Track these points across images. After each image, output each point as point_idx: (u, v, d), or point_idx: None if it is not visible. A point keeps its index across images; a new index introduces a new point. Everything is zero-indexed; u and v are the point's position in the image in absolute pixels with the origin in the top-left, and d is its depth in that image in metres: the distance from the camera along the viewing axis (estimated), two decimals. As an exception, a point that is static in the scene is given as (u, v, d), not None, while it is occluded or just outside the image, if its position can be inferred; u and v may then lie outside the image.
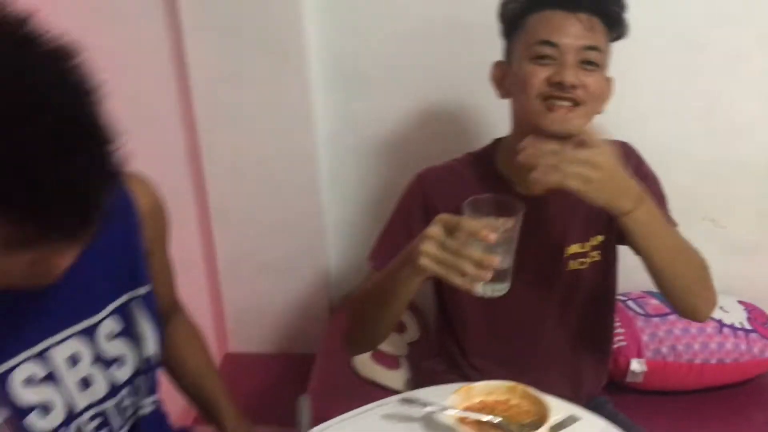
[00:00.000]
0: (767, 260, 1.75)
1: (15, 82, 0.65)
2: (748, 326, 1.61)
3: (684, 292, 1.20)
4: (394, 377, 1.54)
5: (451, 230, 1.00)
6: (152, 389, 1.04)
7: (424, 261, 1.00)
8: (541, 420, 0.98)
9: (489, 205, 1.04)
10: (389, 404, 1.08)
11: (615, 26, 1.19)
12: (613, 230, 1.25)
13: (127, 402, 0.98)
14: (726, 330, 1.58)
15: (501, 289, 1.04)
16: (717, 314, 1.60)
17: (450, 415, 0.99)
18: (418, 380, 1.48)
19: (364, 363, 1.55)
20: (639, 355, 1.57)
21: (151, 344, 1.01)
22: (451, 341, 1.37)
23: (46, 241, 0.69)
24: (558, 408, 1.01)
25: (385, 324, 1.20)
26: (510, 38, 1.25)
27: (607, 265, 1.31)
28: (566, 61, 1.14)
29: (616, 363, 1.55)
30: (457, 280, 0.98)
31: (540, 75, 1.15)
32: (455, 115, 1.70)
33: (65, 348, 0.91)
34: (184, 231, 1.74)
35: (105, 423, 0.96)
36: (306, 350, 1.78)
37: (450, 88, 1.68)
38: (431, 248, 1.00)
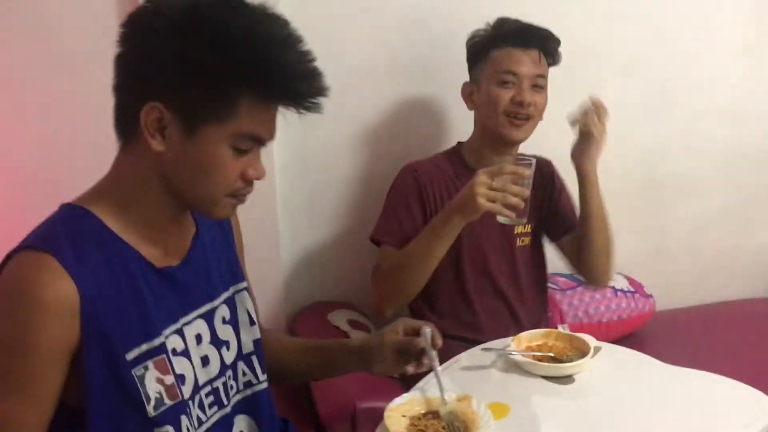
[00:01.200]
0: (625, 240, 2.24)
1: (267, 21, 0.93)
2: (631, 289, 2.07)
3: (602, 252, 1.65)
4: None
5: (492, 177, 1.36)
6: (263, 369, 1.16)
7: (481, 200, 1.34)
8: (583, 350, 1.29)
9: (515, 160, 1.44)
10: (458, 360, 1.32)
11: (554, 58, 1.64)
12: (540, 220, 1.70)
13: (231, 382, 1.11)
14: (619, 293, 2.04)
15: (520, 221, 1.44)
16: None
17: (518, 356, 1.27)
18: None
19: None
20: (562, 321, 1.95)
21: (256, 330, 1.15)
22: (426, 309, 1.67)
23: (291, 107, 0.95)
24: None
25: (424, 277, 1.50)
26: (475, 65, 1.65)
27: (540, 245, 1.75)
28: (523, 86, 1.56)
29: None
30: (504, 212, 1.35)
31: (505, 96, 1.57)
32: (392, 139, 1.97)
33: (194, 327, 1.05)
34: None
35: (217, 399, 1.08)
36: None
37: (388, 117, 1.96)
38: (484, 190, 1.35)
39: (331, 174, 1.97)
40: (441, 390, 1.13)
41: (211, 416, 1.07)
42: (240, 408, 1.13)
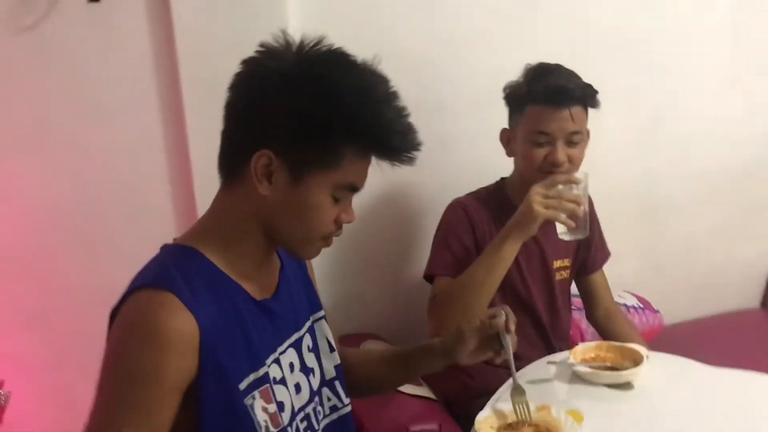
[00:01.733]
0: (626, 261, 2.37)
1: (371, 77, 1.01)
2: (641, 305, 2.20)
3: None
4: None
5: (546, 188, 1.48)
6: (346, 393, 1.23)
7: (538, 207, 1.44)
8: (635, 358, 1.39)
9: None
10: (523, 375, 1.40)
11: (593, 106, 1.66)
12: (577, 254, 1.81)
13: (318, 408, 1.17)
14: (631, 310, 2.15)
15: (584, 233, 1.52)
16: (620, 300, 2.16)
17: (581, 367, 1.36)
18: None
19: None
20: (583, 339, 2.05)
21: (335, 356, 1.22)
22: None
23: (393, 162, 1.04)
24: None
25: (485, 301, 1.54)
26: (512, 114, 1.70)
27: (570, 279, 1.84)
28: (557, 145, 1.60)
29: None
30: (561, 218, 1.45)
31: (539, 155, 1.61)
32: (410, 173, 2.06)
33: (287, 356, 1.12)
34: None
35: (310, 425, 1.15)
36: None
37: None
38: (540, 198, 1.45)
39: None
40: (513, 373, 1.23)
41: None
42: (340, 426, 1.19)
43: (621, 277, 2.10)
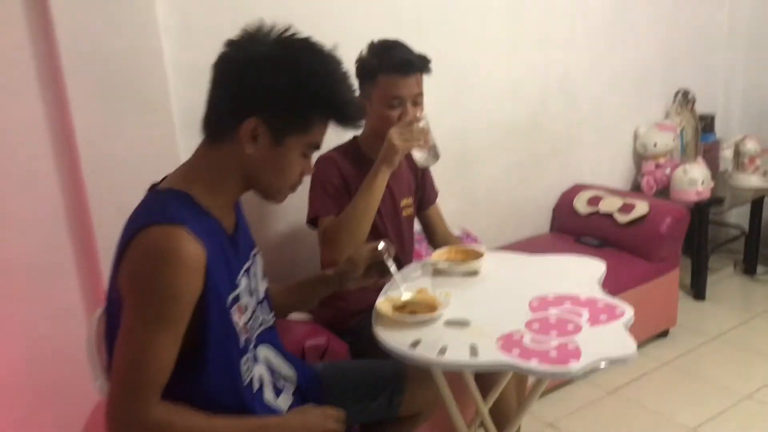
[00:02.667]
0: (448, 201, 2.87)
1: (333, 62, 1.31)
2: (466, 235, 2.69)
3: None
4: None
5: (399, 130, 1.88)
6: (271, 310, 1.56)
7: (398, 142, 1.86)
8: (478, 254, 1.85)
9: None
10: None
11: (428, 72, 2.07)
12: (415, 195, 2.23)
13: (258, 319, 1.49)
14: (462, 238, 2.64)
15: (435, 158, 2.00)
16: (449, 232, 2.64)
17: (443, 264, 1.79)
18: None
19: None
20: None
21: (265, 282, 1.55)
22: None
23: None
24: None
25: (367, 227, 1.90)
26: (364, 84, 2.03)
27: (413, 215, 2.27)
28: (407, 105, 2.00)
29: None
30: (415, 146, 1.90)
31: (394, 115, 2.00)
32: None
33: (244, 279, 1.42)
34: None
35: (259, 322, 1.48)
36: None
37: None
38: (397, 135, 1.87)
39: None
40: (400, 284, 1.62)
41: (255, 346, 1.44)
42: (262, 339, 1.50)
43: (447, 215, 2.57)
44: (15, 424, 1.97)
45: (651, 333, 3.04)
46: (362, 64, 2.04)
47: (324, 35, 1.38)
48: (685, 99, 3.64)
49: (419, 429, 1.78)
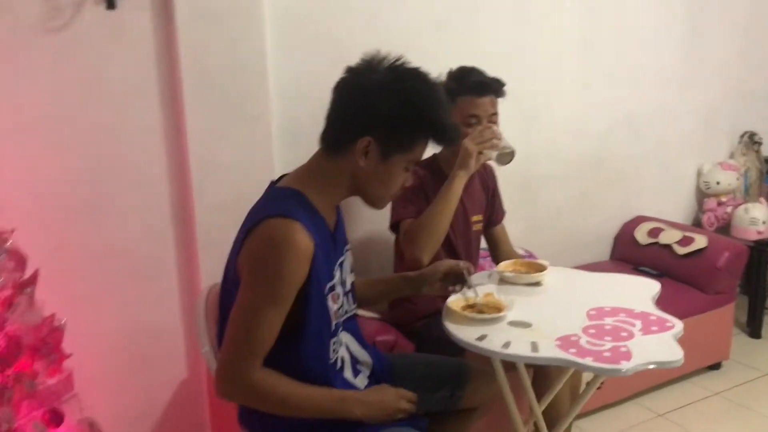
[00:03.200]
0: (514, 224, 3.03)
1: (437, 89, 1.53)
2: (528, 255, 2.85)
3: None
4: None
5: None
6: (354, 301, 1.75)
7: (471, 146, 2.04)
8: (541, 268, 2.02)
9: None
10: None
11: (502, 96, 2.28)
12: (485, 212, 2.41)
13: (344, 308, 1.68)
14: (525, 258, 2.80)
15: (510, 157, 2.15)
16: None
17: (508, 274, 1.97)
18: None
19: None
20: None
21: (353, 275, 1.75)
22: None
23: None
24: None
25: (445, 228, 2.08)
26: None
27: (481, 231, 2.46)
28: (483, 123, 2.20)
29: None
30: (488, 145, 2.07)
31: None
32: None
33: (338, 273, 1.62)
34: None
35: (345, 310, 1.67)
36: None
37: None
38: (470, 141, 2.06)
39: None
40: (476, 293, 1.81)
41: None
42: (346, 326, 1.70)
43: (511, 236, 2.74)
44: (109, 392, 2.22)
45: (703, 363, 3.13)
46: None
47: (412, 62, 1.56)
48: (751, 141, 3.72)
49: (477, 422, 1.95)
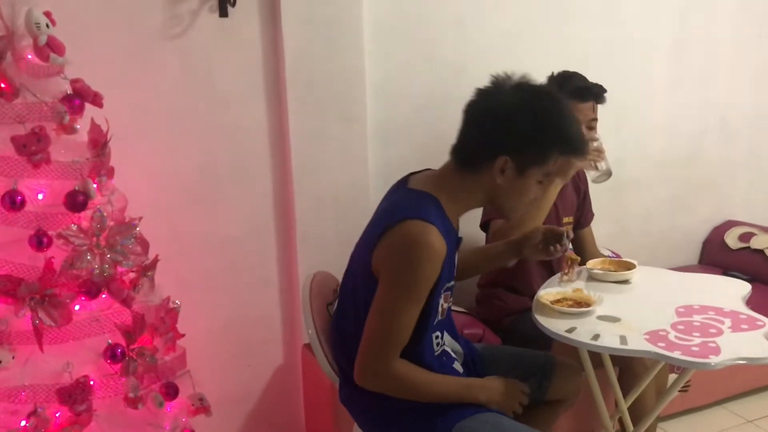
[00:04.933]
0: (602, 225, 3.05)
1: (563, 105, 1.60)
2: (615, 256, 2.87)
3: None
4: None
5: None
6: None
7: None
8: (629, 266, 2.06)
9: None
10: (557, 277, 2.04)
11: (602, 102, 2.33)
12: (575, 215, 2.46)
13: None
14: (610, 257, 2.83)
15: (608, 175, 2.20)
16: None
17: (597, 271, 2.02)
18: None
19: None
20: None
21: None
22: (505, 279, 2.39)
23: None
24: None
25: (541, 218, 2.15)
26: None
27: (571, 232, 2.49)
28: (582, 128, 2.19)
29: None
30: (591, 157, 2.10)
31: None
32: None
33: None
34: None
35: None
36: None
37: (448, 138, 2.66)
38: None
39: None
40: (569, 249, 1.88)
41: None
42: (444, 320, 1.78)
43: (598, 238, 2.76)
44: (215, 372, 2.39)
45: (797, 372, 3.05)
46: None
47: (501, 69, 1.62)
48: None
49: (563, 414, 2.00)
